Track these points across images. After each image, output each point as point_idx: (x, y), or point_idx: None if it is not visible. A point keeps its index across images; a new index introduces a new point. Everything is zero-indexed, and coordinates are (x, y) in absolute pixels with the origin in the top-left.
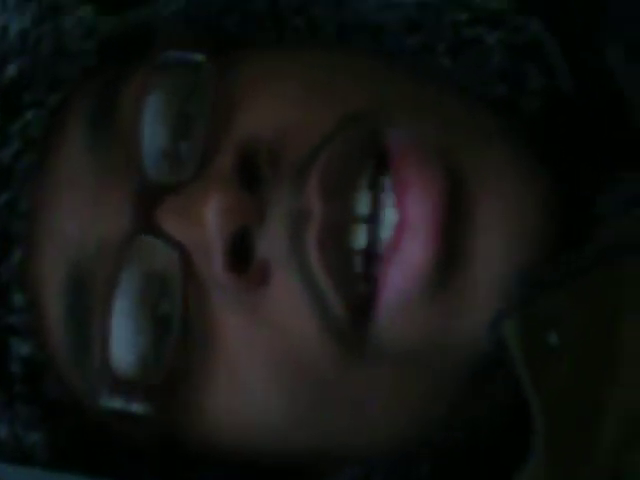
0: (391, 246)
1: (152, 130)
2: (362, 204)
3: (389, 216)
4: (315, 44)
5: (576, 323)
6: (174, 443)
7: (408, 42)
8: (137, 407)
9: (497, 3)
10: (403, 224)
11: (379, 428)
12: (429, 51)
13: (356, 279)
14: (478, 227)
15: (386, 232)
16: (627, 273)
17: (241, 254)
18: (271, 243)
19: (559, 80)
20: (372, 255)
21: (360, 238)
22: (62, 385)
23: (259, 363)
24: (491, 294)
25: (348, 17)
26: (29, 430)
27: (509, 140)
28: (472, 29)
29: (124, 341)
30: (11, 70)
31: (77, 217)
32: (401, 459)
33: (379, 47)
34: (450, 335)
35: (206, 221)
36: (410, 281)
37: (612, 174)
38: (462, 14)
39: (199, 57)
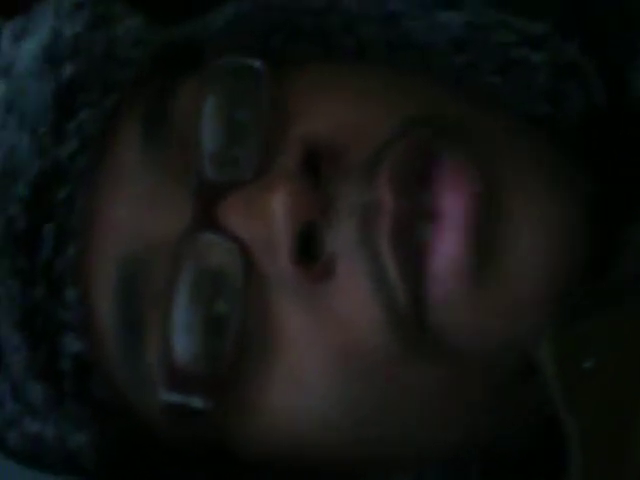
0: (430, 240)
1: (211, 131)
2: (426, 201)
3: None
4: (364, 61)
5: (613, 349)
6: (223, 449)
7: (455, 61)
8: (197, 401)
9: (539, 26)
10: (438, 219)
11: (436, 429)
12: (476, 70)
13: (424, 274)
14: (516, 229)
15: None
16: None
17: (307, 249)
18: (338, 237)
19: (597, 100)
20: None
21: (425, 234)
22: (111, 384)
23: (321, 360)
24: (533, 298)
25: (396, 37)
26: (77, 430)
27: (550, 155)
28: (518, 50)
29: (184, 336)
30: (67, 71)
31: (133, 215)
32: (451, 465)
33: (427, 66)
34: (499, 330)
35: (273, 215)
36: (448, 273)
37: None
38: (508, 35)
39: (255, 62)
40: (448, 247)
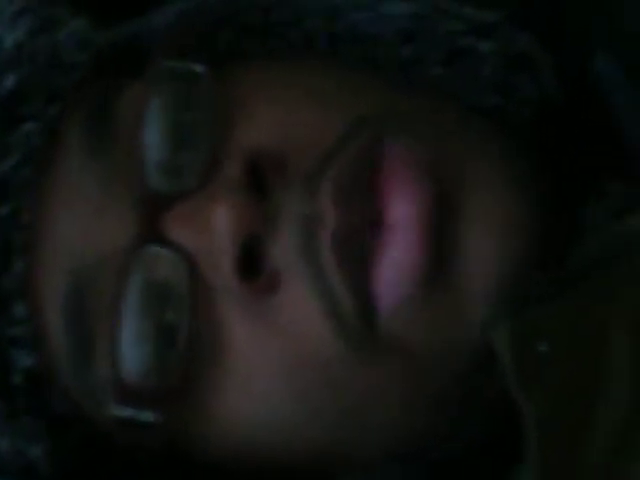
0: (378, 247)
1: (154, 140)
2: (371, 209)
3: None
4: (310, 56)
5: (565, 334)
6: (180, 454)
7: (402, 52)
8: (147, 415)
9: (489, 15)
10: (386, 226)
11: (386, 429)
12: (422, 61)
13: (368, 282)
14: (467, 226)
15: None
16: (614, 286)
17: (251, 261)
18: (282, 249)
19: (549, 91)
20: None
21: (370, 242)
22: (66, 397)
23: (270, 369)
24: (485, 292)
25: (342, 29)
26: (32, 443)
27: (500, 148)
28: (465, 39)
29: (132, 350)
30: (8, 82)
31: (79, 227)
32: (401, 463)
33: (374, 58)
34: (448, 330)
35: (216, 227)
36: (398, 280)
37: (599, 185)
38: (456, 25)
39: (199, 67)
40: (398, 254)
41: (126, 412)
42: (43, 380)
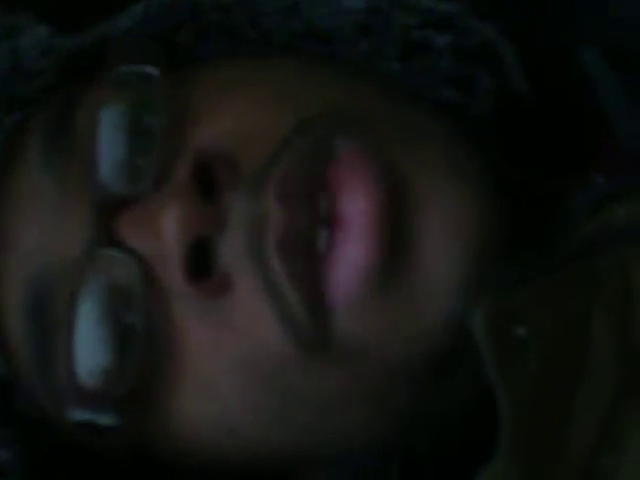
0: (328, 246)
1: (109, 143)
2: (320, 207)
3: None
4: (268, 53)
5: (545, 319)
6: (147, 453)
7: (358, 47)
8: (105, 418)
9: (449, 6)
10: (337, 224)
11: (345, 427)
12: (379, 56)
13: (315, 281)
14: (422, 221)
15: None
16: (595, 273)
17: (201, 263)
18: (231, 250)
19: (513, 83)
20: (330, 257)
21: (321, 241)
22: (31, 401)
23: (224, 369)
24: (441, 287)
25: (299, 25)
26: (1, 447)
27: (456, 142)
28: (421, 32)
29: (88, 353)
30: None
31: (36, 233)
32: (369, 459)
33: (330, 53)
34: (404, 328)
35: (163, 232)
36: (350, 279)
37: (582, 175)
38: (412, 18)
39: (152, 70)
40: (351, 252)
41: (85, 415)
42: (8, 385)
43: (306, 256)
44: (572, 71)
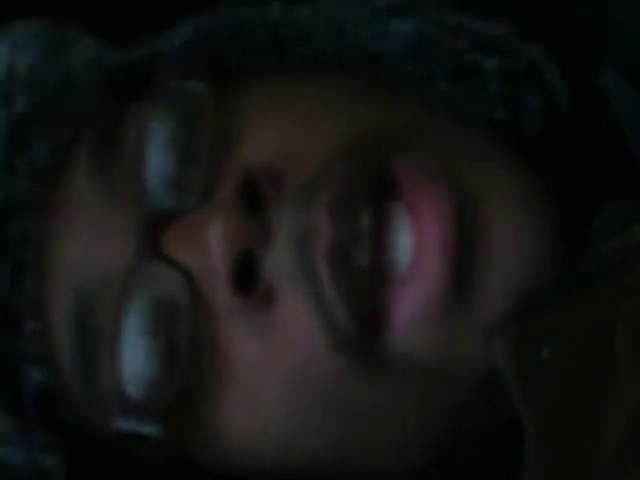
0: (409, 269)
1: (156, 159)
2: (368, 225)
3: (402, 239)
4: (317, 72)
5: (568, 339)
6: (191, 464)
7: (407, 70)
8: (149, 429)
9: (495, 29)
10: (421, 248)
11: (391, 443)
12: (428, 78)
13: (364, 296)
14: (490, 247)
15: (402, 254)
16: (619, 293)
17: (247, 277)
18: (277, 263)
19: (558, 104)
20: (379, 275)
21: (365, 257)
22: (76, 411)
23: (270, 381)
24: (498, 313)
25: (348, 46)
26: (47, 455)
27: (511, 161)
28: (470, 56)
29: (133, 366)
30: (21, 104)
31: (83, 246)
32: (411, 475)
33: (379, 75)
34: (460, 352)
35: (210, 246)
36: (427, 302)
37: (609, 197)
38: (460, 41)
39: (199, 87)
40: (422, 278)
41: (129, 426)
42: (53, 394)
43: (353, 271)
44: (595, 91)
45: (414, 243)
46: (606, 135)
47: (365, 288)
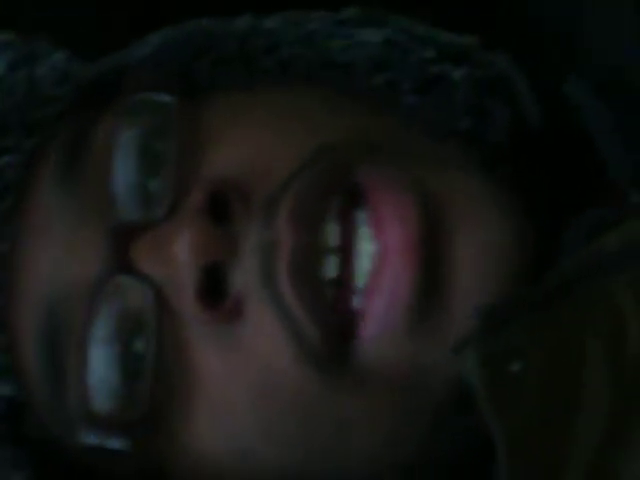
0: (373, 277)
1: (123, 170)
2: (332, 235)
3: (366, 248)
4: (285, 83)
5: (539, 353)
6: (160, 476)
7: (375, 80)
8: (115, 443)
9: (464, 39)
10: (384, 255)
11: (360, 453)
12: (396, 88)
13: (329, 308)
14: (457, 256)
15: (364, 263)
16: (588, 305)
17: (214, 289)
18: (244, 276)
19: (526, 115)
20: (345, 285)
21: (331, 268)
22: (44, 425)
23: (238, 394)
24: (467, 322)
25: (316, 56)
26: (13, 470)
27: (479, 173)
28: (438, 66)
29: (100, 379)
30: None
31: (51, 258)
32: None
33: (347, 85)
34: (428, 362)
35: (177, 258)
36: (393, 310)
37: (578, 209)
38: (428, 51)
39: (167, 98)
40: (388, 284)
41: (96, 440)
42: (22, 408)
43: (316, 282)
44: (563, 103)
45: (376, 250)
46: (574, 147)
47: (331, 300)
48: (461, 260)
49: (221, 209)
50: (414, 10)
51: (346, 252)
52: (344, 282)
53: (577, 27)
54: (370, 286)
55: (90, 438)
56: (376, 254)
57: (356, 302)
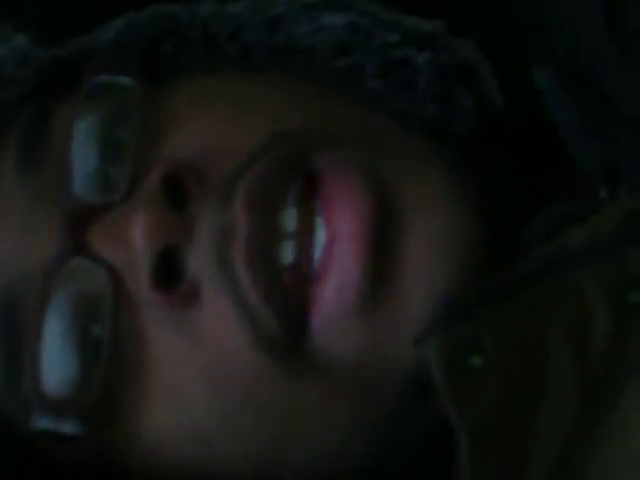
0: (322, 262)
1: (82, 153)
2: (289, 220)
3: (319, 234)
4: (247, 68)
5: (501, 347)
6: (113, 465)
7: (338, 64)
8: (68, 427)
9: (429, 24)
10: (332, 240)
11: (316, 443)
12: (359, 73)
13: (285, 294)
14: (408, 242)
15: (317, 249)
16: (551, 296)
17: (170, 272)
18: (199, 260)
19: (491, 101)
20: (300, 271)
21: (287, 254)
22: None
23: (192, 379)
24: (424, 310)
25: (280, 40)
26: None
27: (440, 159)
28: (402, 50)
29: (54, 362)
30: None
31: (7, 242)
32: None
33: (310, 69)
34: (384, 349)
35: (131, 240)
36: (343, 295)
37: (543, 199)
38: (392, 35)
39: (127, 81)
40: (338, 270)
41: (48, 424)
42: None
43: (272, 268)
44: (528, 90)
45: (326, 239)
46: (539, 136)
47: (286, 285)
48: (412, 248)
49: (178, 192)
50: None
51: (303, 238)
52: (300, 268)
53: (543, 15)
54: (319, 272)
55: (43, 422)
56: (325, 240)
57: (309, 289)
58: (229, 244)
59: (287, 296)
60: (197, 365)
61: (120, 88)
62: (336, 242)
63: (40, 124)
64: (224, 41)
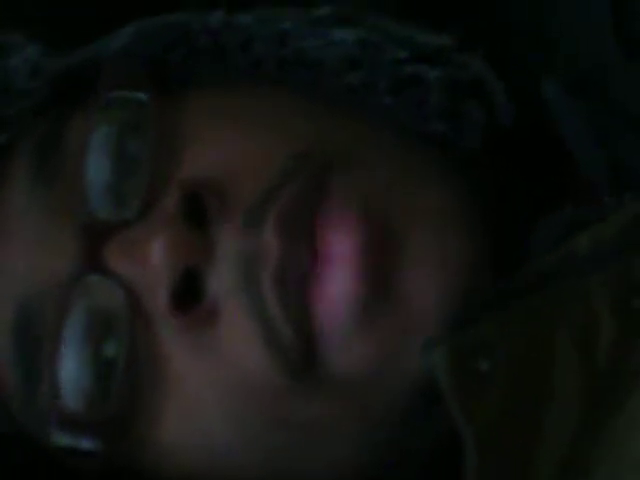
0: (315, 282)
1: (97, 168)
2: (316, 243)
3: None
4: (258, 80)
5: (508, 351)
6: (125, 473)
7: (348, 80)
8: (86, 443)
9: (440, 40)
10: (323, 261)
11: (332, 457)
12: (369, 89)
13: (307, 314)
14: (407, 260)
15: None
16: (558, 302)
17: (189, 292)
18: (221, 281)
19: (500, 117)
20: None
21: (311, 274)
22: (16, 422)
23: (210, 400)
24: (428, 321)
25: (289, 54)
26: None
27: (447, 176)
28: (413, 67)
29: (71, 379)
30: None
31: (24, 257)
32: None
33: (319, 85)
34: (391, 362)
35: (152, 259)
36: (337, 315)
37: (551, 208)
38: (403, 52)
39: (142, 96)
40: (337, 285)
41: (66, 440)
42: None
43: (300, 290)
44: (537, 104)
45: (319, 260)
46: (548, 147)
47: (307, 306)
48: (414, 265)
49: (196, 210)
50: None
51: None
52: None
53: (543, 22)
54: (318, 292)
55: (60, 438)
56: (319, 262)
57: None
58: (257, 265)
59: (309, 316)
60: (213, 383)
61: (134, 102)
62: (326, 264)
63: (54, 135)
64: (234, 53)
